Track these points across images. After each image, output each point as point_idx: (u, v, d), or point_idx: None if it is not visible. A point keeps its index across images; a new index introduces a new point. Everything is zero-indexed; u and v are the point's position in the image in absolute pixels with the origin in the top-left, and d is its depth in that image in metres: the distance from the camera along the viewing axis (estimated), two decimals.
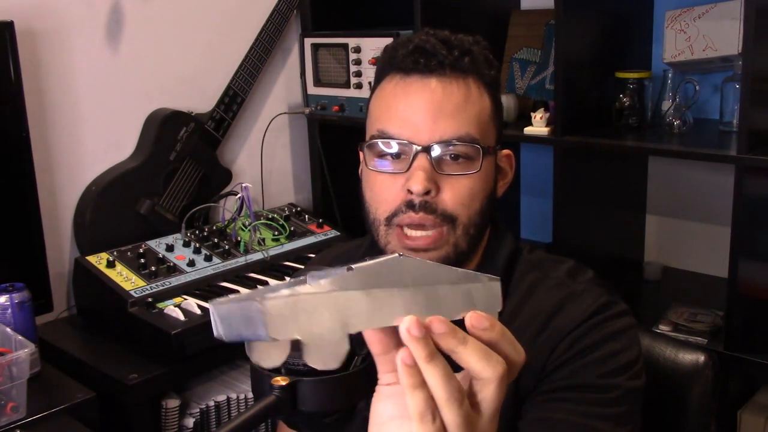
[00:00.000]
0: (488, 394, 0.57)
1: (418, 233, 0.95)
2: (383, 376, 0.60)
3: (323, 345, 0.54)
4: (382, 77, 1.02)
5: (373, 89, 1.04)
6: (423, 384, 0.55)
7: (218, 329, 0.57)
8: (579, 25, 1.89)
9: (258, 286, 1.90)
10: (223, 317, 0.56)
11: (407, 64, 0.97)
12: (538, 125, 1.95)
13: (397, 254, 0.59)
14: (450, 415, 0.55)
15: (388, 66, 1.01)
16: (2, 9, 1.74)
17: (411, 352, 0.55)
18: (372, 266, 0.57)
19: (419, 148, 0.94)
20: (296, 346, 0.59)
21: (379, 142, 0.97)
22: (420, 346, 0.54)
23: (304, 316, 0.54)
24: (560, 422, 0.89)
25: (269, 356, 0.57)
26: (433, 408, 0.55)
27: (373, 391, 0.60)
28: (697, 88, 1.93)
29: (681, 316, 1.89)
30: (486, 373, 0.56)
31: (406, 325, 0.54)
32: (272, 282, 1.88)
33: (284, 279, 1.88)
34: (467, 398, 0.56)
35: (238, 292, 1.80)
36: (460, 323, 0.57)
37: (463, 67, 0.97)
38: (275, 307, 0.53)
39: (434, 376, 0.55)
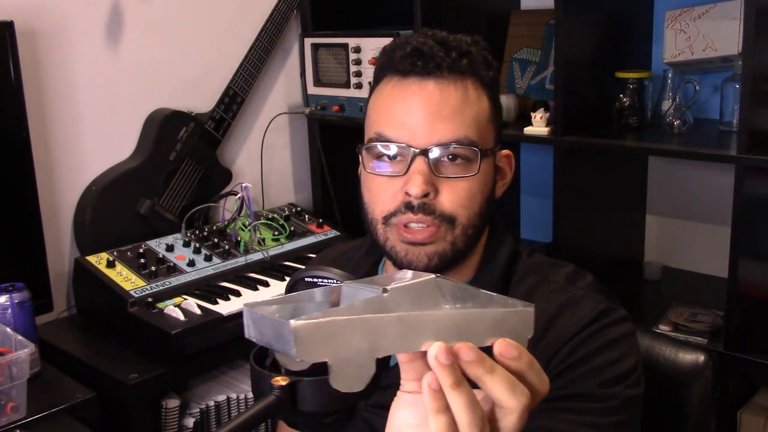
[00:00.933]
0: (509, 423, 0.58)
1: (417, 227, 0.95)
2: (406, 383, 0.61)
3: (350, 369, 0.54)
4: (380, 79, 1.02)
5: (371, 91, 1.04)
6: (447, 409, 0.56)
7: (250, 332, 0.57)
8: (579, 25, 1.89)
9: (258, 287, 1.91)
10: (256, 323, 0.56)
11: (405, 66, 0.97)
12: (538, 125, 1.95)
13: (434, 276, 0.59)
14: None
15: (386, 68, 1.01)
16: (2, 9, 1.74)
17: (436, 378, 0.55)
18: (408, 288, 0.57)
19: (417, 151, 0.94)
20: None
21: (377, 145, 0.97)
22: (446, 373, 0.55)
23: (335, 340, 0.54)
24: (558, 431, 0.89)
25: (293, 363, 0.58)
26: None
27: (373, 391, 0.59)
28: (697, 88, 1.93)
29: (681, 316, 1.89)
30: (510, 403, 0.57)
31: (434, 351, 0.55)
32: (272, 282, 1.88)
33: (284, 279, 1.88)
34: (488, 424, 0.57)
35: (238, 292, 1.80)
36: (488, 350, 0.58)
37: (461, 69, 0.97)
38: (307, 331, 0.52)
39: (459, 403, 0.55)
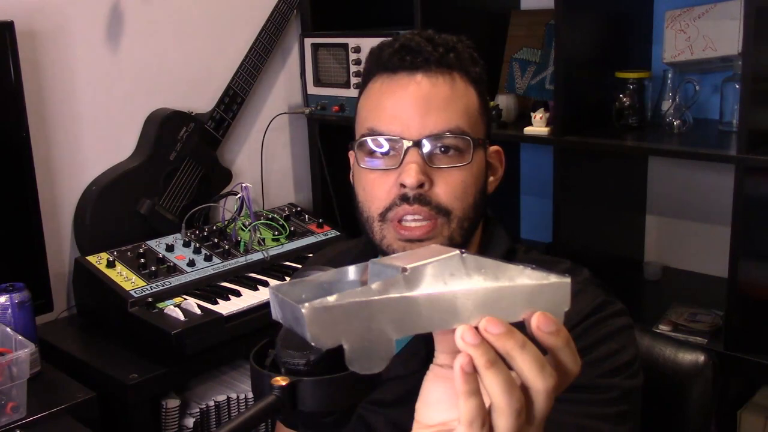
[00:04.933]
0: (538, 404, 0.55)
1: (414, 223, 0.96)
2: (439, 355, 0.60)
3: (368, 351, 0.53)
4: (369, 78, 1.03)
5: (360, 91, 1.05)
6: (477, 391, 0.53)
7: (276, 314, 0.57)
8: (579, 25, 1.89)
9: (258, 287, 1.90)
10: (280, 305, 0.56)
11: (393, 62, 0.98)
12: (538, 125, 1.95)
13: (458, 251, 0.56)
14: (505, 424, 0.54)
15: (374, 67, 1.02)
16: (2, 9, 1.74)
17: (470, 358, 0.53)
18: (430, 266, 0.55)
19: (410, 143, 0.95)
20: (301, 346, 0.59)
21: (369, 139, 0.98)
22: (479, 352, 0.53)
23: (348, 323, 0.52)
24: (558, 423, 0.89)
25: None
26: (483, 416, 0.54)
27: (373, 391, 0.59)
28: (697, 88, 1.93)
29: (681, 316, 1.89)
30: (538, 384, 0.54)
31: (460, 333, 0.53)
32: (272, 282, 1.88)
33: (284, 279, 1.88)
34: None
35: (238, 292, 1.80)
36: (520, 326, 0.55)
37: (448, 63, 0.98)
38: (317, 315, 0.52)
39: (495, 384, 0.53)
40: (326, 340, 0.52)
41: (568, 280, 0.57)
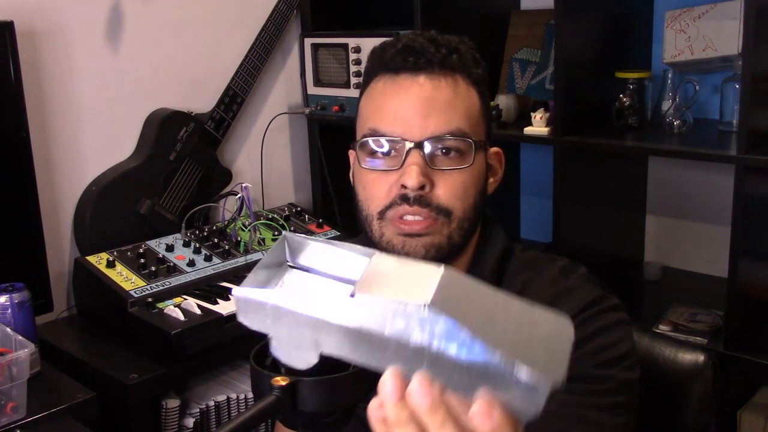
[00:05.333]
0: None
1: (414, 218, 0.96)
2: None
3: (290, 347, 0.54)
4: (371, 78, 1.03)
5: (361, 91, 1.05)
6: None
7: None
8: (579, 25, 1.89)
9: None
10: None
11: (396, 63, 0.98)
12: (538, 125, 1.95)
13: (424, 305, 0.48)
14: None
15: (376, 67, 1.02)
16: (2, 9, 1.74)
17: (383, 409, 0.50)
18: (382, 302, 0.50)
19: (412, 144, 0.95)
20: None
21: (370, 140, 0.98)
22: (390, 407, 0.49)
23: (275, 321, 0.53)
24: (555, 414, 0.89)
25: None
26: None
27: (373, 391, 0.59)
28: (697, 88, 1.93)
29: (681, 316, 1.89)
30: None
31: (383, 380, 0.50)
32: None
33: None
34: None
35: None
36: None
37: (451, 65, 0.99)
38: (242, 302, 0.54)
39: None
40: (251, 324, 0.54)
41: (545, 391, 0.47)
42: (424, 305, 0.48)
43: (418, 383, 0.48)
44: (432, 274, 0.51)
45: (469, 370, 0.48)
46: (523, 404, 0.47)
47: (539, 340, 0.49)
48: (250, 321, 0.55)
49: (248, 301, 0.54)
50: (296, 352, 0.54)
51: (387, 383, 0.49)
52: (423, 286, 0.49)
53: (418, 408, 0.49)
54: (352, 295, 0.51)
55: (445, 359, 0.48)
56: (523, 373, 0.47)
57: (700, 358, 1.14)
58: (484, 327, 0.48)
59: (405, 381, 0.49)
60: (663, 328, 1.85)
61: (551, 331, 0.49)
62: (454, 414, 0.49)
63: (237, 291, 0.54)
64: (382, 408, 0.50)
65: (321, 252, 0.59)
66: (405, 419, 0.49)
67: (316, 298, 0.54)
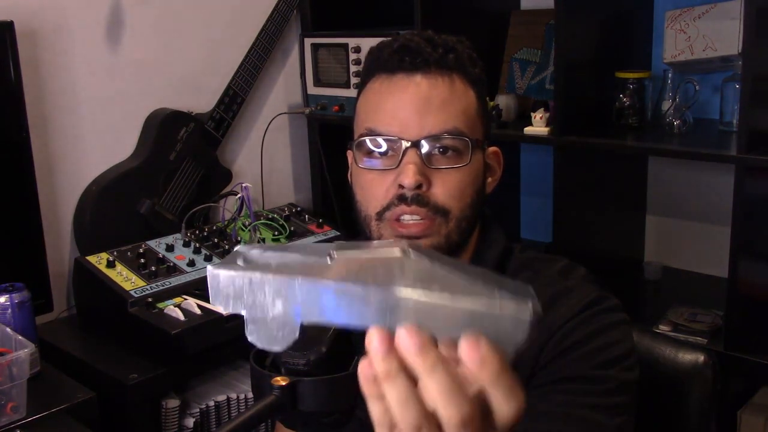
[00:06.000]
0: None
1: (412, 220, 0.96)
2: None
3: (266, 326, 0.53)
4: (368, 78, 1.03)
5: (359, 91, 1.05)
6: (383, 396, 0.50)
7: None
8: (579, 25, 1.89)
9: None
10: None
11: (393, 63, 0.99)
12: (538, 125, 1.95)
13: (399, 248, 0.51)
14: None
15: (373, 67, 1.02)
16: (2, 9, 1.74)
17: (370, 366, 0.49)
18: (362, 255, 0.51)
19: (408, 143, 0.95)
20: (301, 346, 0.59)
21: (367, 140, 0.98)
22: (378, 360, 0.49)
23: (249, 294, 0.53)
24: (554, 414, 0.89)
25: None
26: (391, 420, 0.50)
27: None
28: (697, 88, 1.93)
29: (681, 316, 1.89)
30: (442, 412, 0.48)
31: (369, 336, 0.49)
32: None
33: None
34: (430, 428, 0.49)
35: None
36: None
37: (447, 64, 0.99)
38: (219, 279, 0.53)
39: (389, 397, 0.49)
40: (225, 306, 0.53)
41: (526, 317, 0.48)
42: (401, 250, 0.50)
43: (405, 330, 0.48)
44: (395, 250, 0.53)
45: (453, 310, 0.48)
46: (508, 334, 0.48)
47: (507, 282, 0.50)
48: (223, 303, 0.54)
49: (222, 278, 0.53)
50: (275, 331, 0.53)
51: (373, 338, 0.49)
52: (393, 251, 0.51)
53: (406, 353, 0.48)
54: (330, 256, 0.52)
55: (427, 304, 0.48)
56: (504, 298, 0.48)
57: (700, 358, 1.14)
58: (457, 269, 0.50)
59: (391, 335, 0.49)
60: (663, 328, 1.85)
61: (515, 283, 0.51)
62: (443, 359, 0.48)
63: (211, 269, 0.54)
64: (371, 366, 0.49)
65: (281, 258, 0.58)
66: (395, 371, 0.48)
67: (292, 265, 0.53)
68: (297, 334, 0.52)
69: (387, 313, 0.49)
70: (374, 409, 0.50)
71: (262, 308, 0.52)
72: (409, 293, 0.49)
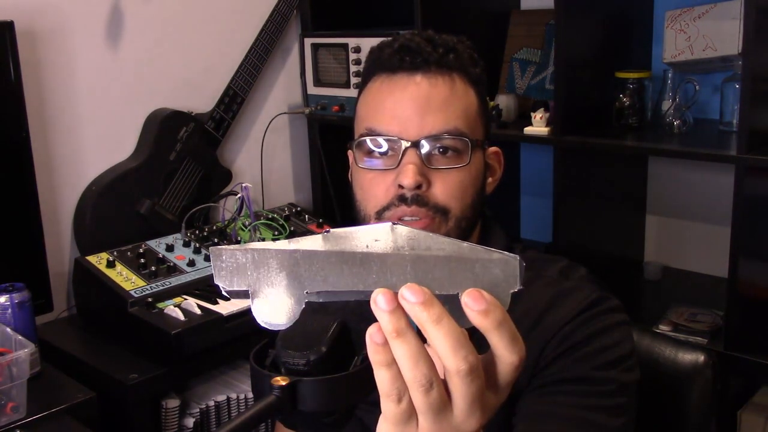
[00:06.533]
0: (455, 386, 0.51)
1: (411, 220, 0.96)
2: None
3: (270, 301, 0.54)
4: (368, 78, 1.04)
5: (359, 90, 1.05)
6: (391, 362, 0.51)
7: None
8: (579, 25, 1.89)
9: None
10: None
11: (393, 62, 0.99)
12: (538, 125, 1.95)
13: (389, 223, 0.53)
14: (417, 398, 0.51)
15: (374, 67, 1.02)
16: (2, 9, 1.74)
17: (379, 328, 0.51)
18: (355, 230, 0.53)
19: (408, 143, 0.95)
20: (302, 346, 0.59)
21: (367, 139, 0.98)
22: (387, 319, 0.50)
23: (254, 269, 0.53)
24: (555, 415, 0.89)
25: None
26: (400, 389, 0.52)
27: (373, 391, 0.59)
28: (697, 88, 1.93)
29: (681, 316, 1.89)
30: (449, 363, 0.50)
31: (375, 297, 0.51)
32: None
33: None
34: (440, 386, 0.52)
35: None
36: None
37: (448, 64, 0.99)
38: (224, 255, 0.53)
39: (401, 356, 0.50)
40: (229, 283, 0.53)
41: (515, 257, 0.52)
42: (392, 223, 0.53)
43: (407, 287, 0.50)
44: (386, 224, 0.56)
45: (447, 261, 0.51)
46: (501, 282, 0.52)
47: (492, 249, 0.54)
48: (227, 280, 0.54)
49: (226, 255, 0.54)
50: (280, 305, 0.53)
51: (379, 298, 0.50)
52: (383, 225, 0.54)
53: (412, 308, 0.50)
54: (327, 231, 0.53)
55: (425, 260, 0.52)
56: (491, 251, 0.52)
57: (700, 358, 1.14)
58: (444, 237, 0.54)
59: (395, 295, 0.50)
60: (663, 328, 1.85)
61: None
62: (447, 312, 0.51)
63: (214, 248, 0.54)
64: (379, 331, 0.50)
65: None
66: (404, 327, 0.50)
67: (294, 242, 0.54)
68: (303, 305, 0.54)
69: (388, 274, 0.51)
70: (382, 378, 0.52)
71: (267, 281, 0.53)
72: (406, 251, 0.51)
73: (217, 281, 0.54)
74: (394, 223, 0.53)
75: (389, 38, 1.03)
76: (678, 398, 1.15)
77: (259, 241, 2.00)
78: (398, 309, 0.50)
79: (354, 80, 2.21)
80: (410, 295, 0.50)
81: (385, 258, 0.52)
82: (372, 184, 0.99)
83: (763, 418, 1.81)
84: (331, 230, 0.53)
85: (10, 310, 1.56)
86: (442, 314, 0.50)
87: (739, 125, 1.66)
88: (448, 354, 0.50)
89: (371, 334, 0.51)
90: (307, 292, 0.54)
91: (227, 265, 0.54)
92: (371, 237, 0.53)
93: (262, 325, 0.55)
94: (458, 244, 0.52)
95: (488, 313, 0.50)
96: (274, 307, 0.54)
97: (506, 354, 0.52)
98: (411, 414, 0.53)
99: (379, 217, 0.98)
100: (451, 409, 0.52)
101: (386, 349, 0.51)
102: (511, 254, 0.52)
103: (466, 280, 0.52)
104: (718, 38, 1.89)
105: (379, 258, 0.52)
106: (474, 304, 0.50)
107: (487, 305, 0.50)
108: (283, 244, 0.54)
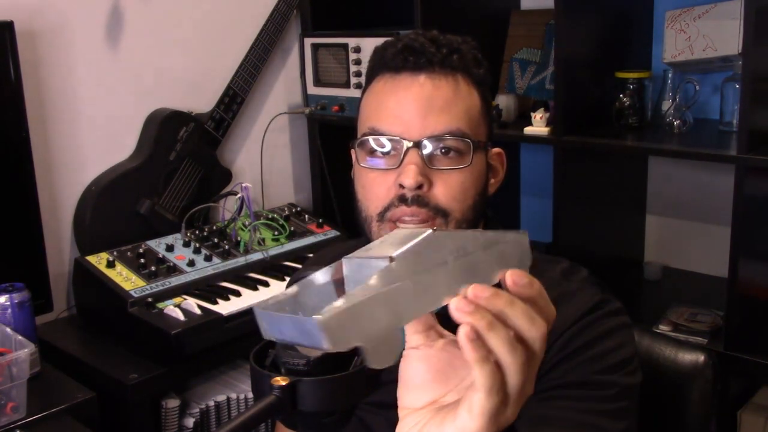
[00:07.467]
0: (535, 354, 0.57)
1: (411, 220, 0.96)
2: (410, 338, 0.60)
3: (382, 345, 0.54)
4: (372, 78, 1.03)
5: (363, 90, 1.05)
6: (488, 357, 0.54)
7: (266, 333, 0.56)
8: (579, 25, 1.89)
9: (258, 287, 1.90)
10: (273, 324, 0.55)
11: (397, 62, 0.99)
12: (538, 125, 1.95)
13: (430, 230, 0.57)
14: (515, 381, 0.55)
15: (377, 66, 1.02)
16: (2, 9, 1.74)
17: (471, 327, 0.53)
18: (411, 250, 0.56)
19: (410, 143, 0.95)
20: (293, 346, 0.59)
21: (370, 139, 0.98)
22: (477, 317, 0.53)
23: (361, 322, 0.52)
24: (557, 419, 0.89)
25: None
26: (500, 380, 0.54)
27: (373, 391, 0.59)
28: (697, 88, 1.93)
29: (681, 316, 1.89)
30: (533, 332, 0.56)
31: (455, 305, 0.54)
32: (272, 282, 1.88)
33: (284, 279, 1.88)
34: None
35: (238, 292, 1.80)
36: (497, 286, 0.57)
37: (451, 64, 0.99)
38: (333, 322, 0.51)
39: (500, 343, 0.54)
40: (343, 345, 0.52)
41: (525, 234, 0.62)
42: (433, 229, 0.58)
43: (473, 288, 0.55)
44: (405, 232, 0.60)
45: (485, 257, 0.59)
46: (523, 257, 0.63)
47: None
48: (339, 344, 0.52)
49: (341, 314, 0.52)
50: (384, 348, 0.54)
51: (461, 302, 0.54)
52: (414, 232, 0.59)
53: (486, 302, 0.54)
54: (391, 260, 0.55)
55: (469, 257, 0.58)
56: (509, 234, 0.62)
57: (700, 358, 1.14)
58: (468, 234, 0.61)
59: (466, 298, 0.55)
60: (663, 328, 1.85)
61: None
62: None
63: (327, 314, 0.52)
64: (471, 330, 0.53)
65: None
66: (492, 318, 0.54)
67: (375, 283, 0.55)
68: (403, 341, 0.57)
69: (452, 281, 0.57)
70: (484, 375, 0.54)
71: (376, 329, 0.54)
72: (456, 255, 0.57)
73: (333, 348, 0.52)
74: (434, 230, 0.58)
75: (393, 38, 1.03)
76: (678, 398, 1.15)
77: (259, 242, 2.00)
78: (479, 307, 0.54)
79: (354, 80, 2.21)
80: (482, 293, 0.54)
81: (448, 271, 0.57)
82: (373, 184, 0.99)
83: (763, 418, 1.81)
84: (395, 255, 0.55)
85: (10, 310, 1.56)
86: (511, 296, 0.56)
87: (739, 125, 1.66)
88: (530, 324, 0.55)
89: (463, 335, 0.53)
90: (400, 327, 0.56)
91: (336, 327, 0.53)
92: (426, 252, 0.56)
93: (379, 369, 0.54)
94: (484, 235, 0.59)
95: (533, 283, 0.57)
96: (384, 352, 0.54)
97: (551, 313, 0.59)
98: (507, 402, 0.56)
99: (381, 219, 0.98)
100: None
101: (483, 344, 0.54)
102: (519, 232, 0.62)
103: (499, 266, 0.59)
104: (718, 38, 1.89)
105: (439, 273, 0.56)
106: (520, 280, 0.57)
107: (529, 278, 0.57)
108: (369, 288, 0.54)
